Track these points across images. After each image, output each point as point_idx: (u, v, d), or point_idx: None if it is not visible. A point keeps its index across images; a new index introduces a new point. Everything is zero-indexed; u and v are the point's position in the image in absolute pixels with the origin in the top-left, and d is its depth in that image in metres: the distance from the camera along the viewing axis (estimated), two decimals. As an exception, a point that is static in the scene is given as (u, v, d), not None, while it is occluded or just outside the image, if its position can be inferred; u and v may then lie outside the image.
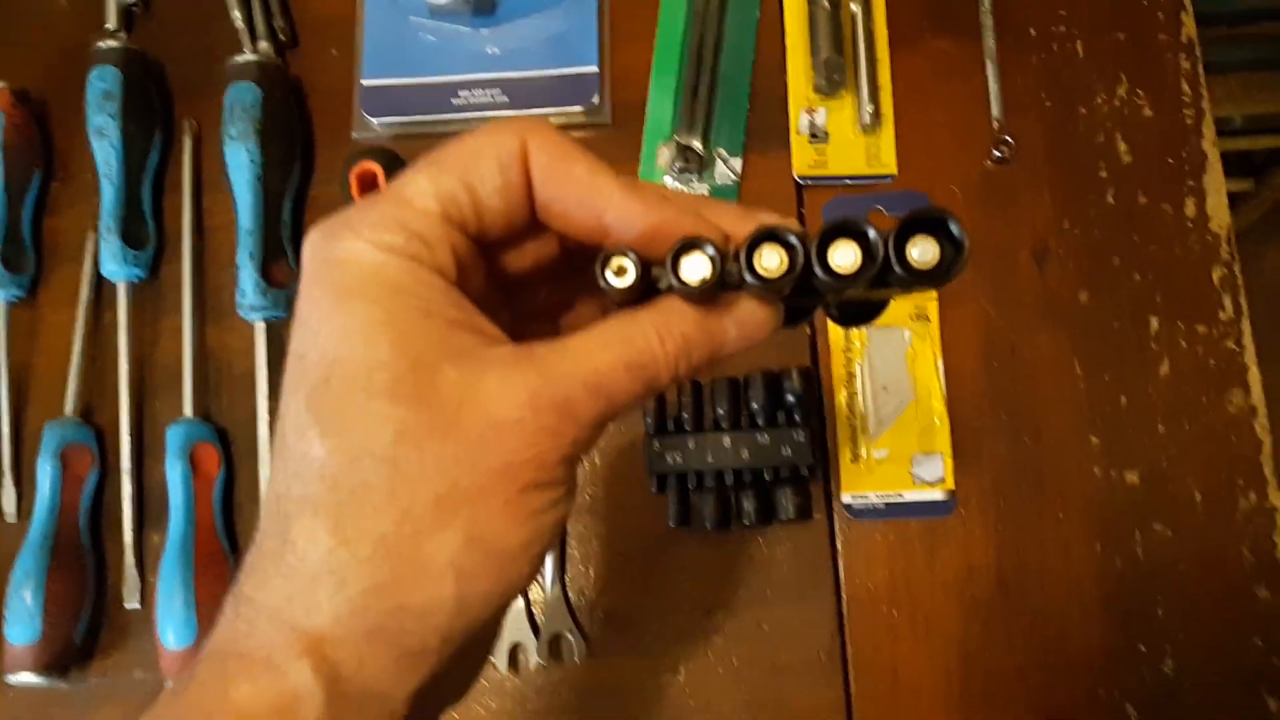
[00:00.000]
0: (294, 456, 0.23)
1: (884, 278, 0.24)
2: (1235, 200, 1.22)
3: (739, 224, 0.25)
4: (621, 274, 0.24)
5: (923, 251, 0.23)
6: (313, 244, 0.24)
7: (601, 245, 0.25)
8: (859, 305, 0.28)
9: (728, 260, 0.24)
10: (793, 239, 0.24)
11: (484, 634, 0.27)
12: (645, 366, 0.25)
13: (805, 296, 0.26)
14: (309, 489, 0.23)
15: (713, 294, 0.25)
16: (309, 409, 0.23)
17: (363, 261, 0.23)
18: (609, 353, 0.24)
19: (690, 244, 0.24)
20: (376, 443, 0.23)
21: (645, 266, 0.25)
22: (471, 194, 0.24)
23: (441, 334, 0.23)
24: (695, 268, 0.24)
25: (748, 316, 0.26)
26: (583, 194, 0.25)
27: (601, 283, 0.25)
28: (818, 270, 0.24)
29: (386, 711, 0.24)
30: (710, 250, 0.24)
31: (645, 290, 0.25)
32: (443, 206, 0.24)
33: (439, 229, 0.24)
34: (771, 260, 0.24)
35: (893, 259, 0.23)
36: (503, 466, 0.23)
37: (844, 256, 0.24)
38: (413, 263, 0.23)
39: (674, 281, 0.24)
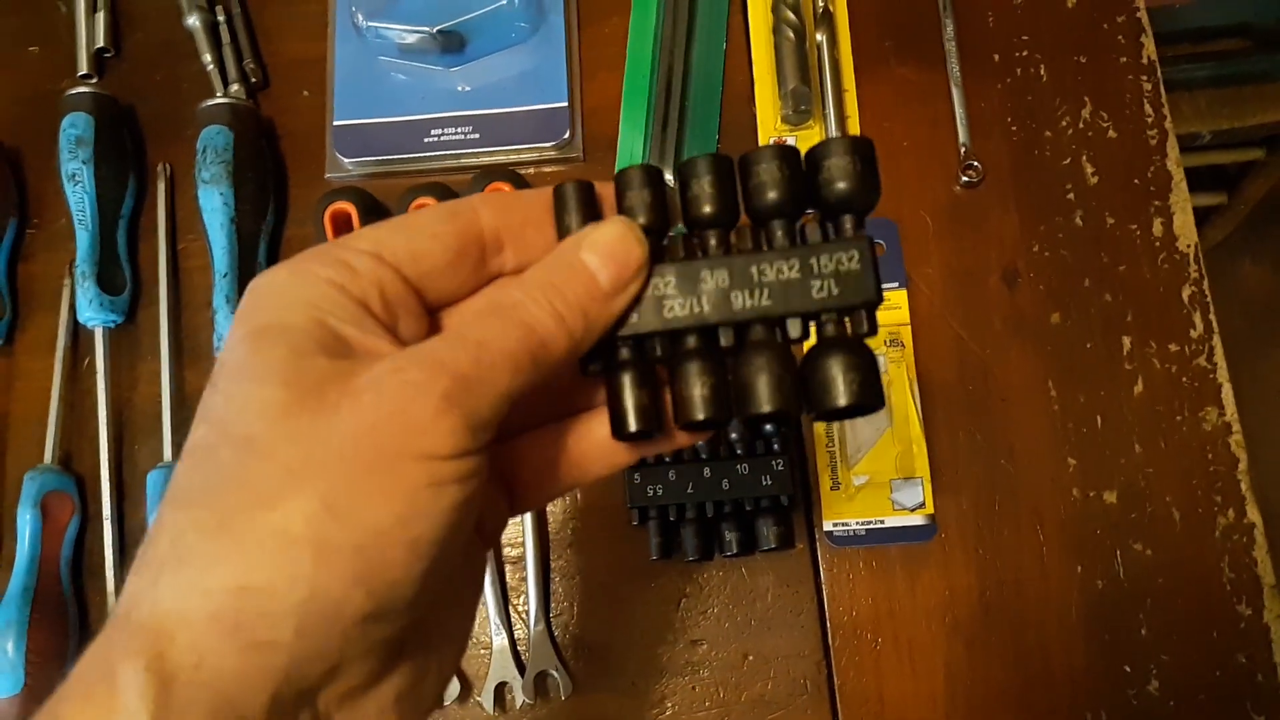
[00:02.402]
0: (189, 443, 0.23)
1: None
2: (1209, 213, 1.24)
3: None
4: None
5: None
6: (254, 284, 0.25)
7: None
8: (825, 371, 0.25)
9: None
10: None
11: (394, 650, 0.24)
12: (508, 311, 0.24)
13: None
14: (177, 480, 0.22)
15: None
16: (199, 407, 0.23)
17: (275, 281, 0.24)
18: (473, 309, 0.25)
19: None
20: (238, 424, 0.22)
21: None
22: (409, 239, 0.25)
23: (328, 335, 0.23)
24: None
25: (600, 236, 0.25)
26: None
27: None
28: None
29: (234, 714, 0.20)
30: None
31: None
32: (376, 247, 0.24)
33: (366, 261, 0.24)
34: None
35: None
36: (364, 431, 0.21)
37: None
38: (325, 283, 0.23)
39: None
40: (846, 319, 0.26)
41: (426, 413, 0.22)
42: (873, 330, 0.26)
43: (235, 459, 0.22)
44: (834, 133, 0.56)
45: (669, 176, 0.51)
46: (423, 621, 0.24)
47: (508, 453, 0.28)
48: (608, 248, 0.25)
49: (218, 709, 0.20)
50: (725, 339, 0.26)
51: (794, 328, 0.26)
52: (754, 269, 0.26)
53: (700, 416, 0.25)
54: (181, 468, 0.23)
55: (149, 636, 0.20)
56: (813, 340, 0.26)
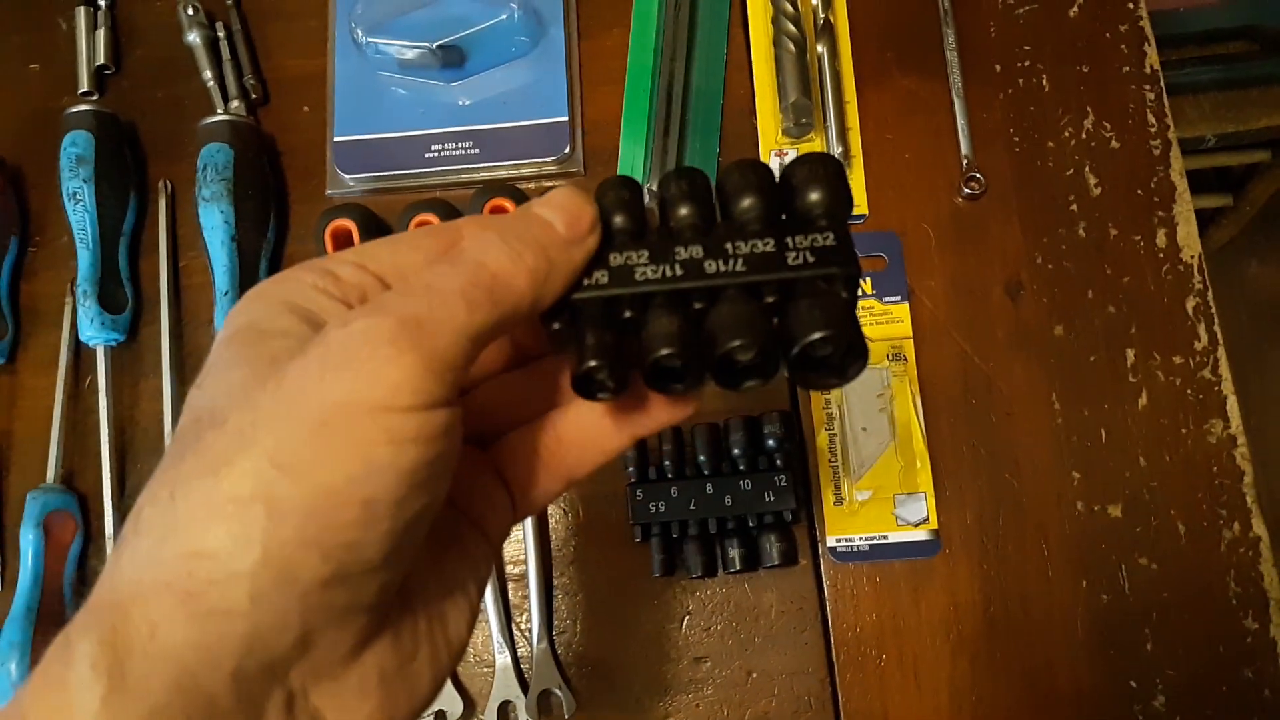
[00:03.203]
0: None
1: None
2: (1215, 214, 1.23)
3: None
4: None
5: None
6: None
7: None
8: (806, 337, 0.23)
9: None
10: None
11: (363, 624, 0.23)
12: (456, 255, 0.24)
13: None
14: (158, 466, 0.22)
15: None
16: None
17: (260, 289, 0.24)
18: (422, 261, 0.25)
19: None
20: (205, 407, 0.22)
21: None
22: (392, 252, 0.25)
23: (301, 321, 0.23)
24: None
25: (551, 195, 0.25)
26: None
27: None
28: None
29: (200, 696, 0.20)
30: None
31: None
32: (360, 258, 0.25)
33: (349, 269, 0.24)
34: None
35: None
36: (311, 385, 0.21)
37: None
38: (309, 286, 0.24)
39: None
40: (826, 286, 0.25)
41: (377, 359, 0.21)
42: (852, 299, 0.25)
43: (194, 435, 0.21)
44: (835, 145, 0.56)
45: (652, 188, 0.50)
46: (407, 597, 0.24)
47: (502, 450, 0.28)
48: (559, 201, 0.25)
49: (177, 682, 0.19)
50: (698, 303, 0.25)
51: (769, 293, 0.25)
52: (729, 244, 0.25)
53: (664, 350, 0.24)
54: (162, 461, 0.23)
55: (103, 611, 0.20)
56: None
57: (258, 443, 0.20)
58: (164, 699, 0.19)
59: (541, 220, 0.25)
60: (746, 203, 0.25)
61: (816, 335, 0.23)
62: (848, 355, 0.24)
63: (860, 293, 0.55)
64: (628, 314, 0.25)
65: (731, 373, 0.25)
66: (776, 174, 0.26)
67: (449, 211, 0.54)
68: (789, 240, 0.25)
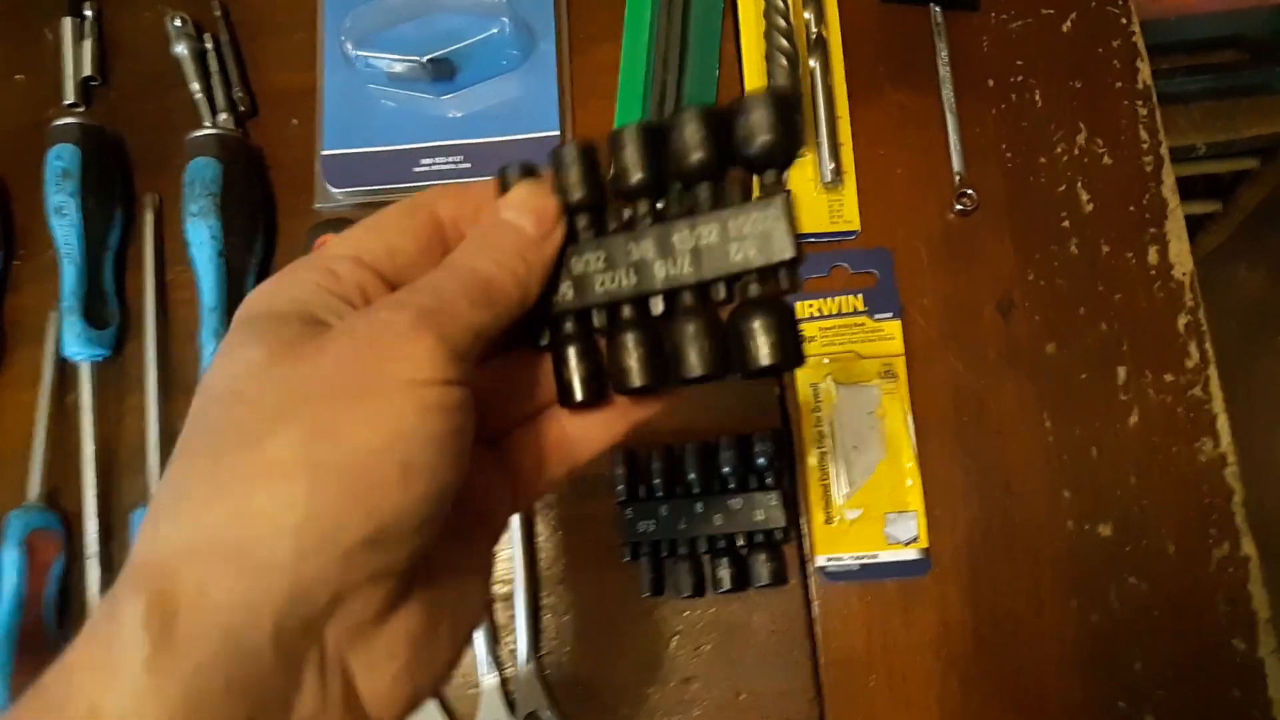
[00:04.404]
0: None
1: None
2: (1204, 221, 1.24)
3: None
4: None
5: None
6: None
7: None
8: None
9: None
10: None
11: (393, 589, 0.24)
12: (451, 263, 0.27)
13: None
14: (175, 449, 0.24)
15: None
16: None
17: (264, 287, 0.26)
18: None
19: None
20: (224, 385, 0.24)
21: None
22: (382, 238, 0.27)
23: (309, 316, 0.25)
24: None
25: (512, 195, 0.28)
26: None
27: None
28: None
29: (243, 653, 0.21)
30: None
31: None
32: (355, 251, 0.27)
33: (347, 265, 0.26)
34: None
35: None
36: (346, 363, 0.23)
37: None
38: (312, 285, 0.26)
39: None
40: (771, 277, 0.26)
41: (402, 338, 0.24)
42: (794, 287, 0.26)
43: (224, 411, 0.23)
44: (827, 160, 0.56)
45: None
46: (431, 571, 0.26)
47: (508, 445, 0.30)
48: (521, 201, 0.28)
49: (222, 639, 0.21)
50: (655, 308, 0.28)
51: (718, 291, 0.27)
52: (675, 238, 0.27)
53: (636, 384, 0.27)
54: (179, 439, 0.24)
55: (151, 572, 0.21)
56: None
57: (296, 414, 0.22)
58: (209, 656, 0.21)
59: (514, 226, 0.27)
60: (695, 161, 0.26)
61: (763, 364, 0.26)
62: (785, 366, 0.26)
63: (854, 310, 0.54)
64: (597, 323, 0.28)
65: (688, 383, 0.27)
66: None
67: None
68: (732, 226, 0.26)
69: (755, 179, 0.27)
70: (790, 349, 0.26)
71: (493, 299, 0.26)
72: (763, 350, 0.26)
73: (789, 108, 0.26)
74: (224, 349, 0.25)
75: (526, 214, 0.27)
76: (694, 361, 0.26)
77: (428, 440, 0.23)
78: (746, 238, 0.26)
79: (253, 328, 0.25)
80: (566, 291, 0.28)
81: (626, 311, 0.28)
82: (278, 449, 0.22)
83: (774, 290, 0.26)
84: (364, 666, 0.24)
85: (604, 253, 0.28)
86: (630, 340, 0.27)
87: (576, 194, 0.28)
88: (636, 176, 0.27)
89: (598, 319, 0.28)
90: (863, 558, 0.52)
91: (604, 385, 0.28)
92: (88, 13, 0.63)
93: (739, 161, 0.27)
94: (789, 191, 0.26)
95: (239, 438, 0.22)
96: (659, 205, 0.28)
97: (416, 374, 0.23)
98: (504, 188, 0.29)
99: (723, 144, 0.26)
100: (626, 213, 0.28)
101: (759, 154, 0.26)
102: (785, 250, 0.26)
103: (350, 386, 0.23)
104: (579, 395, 0.28)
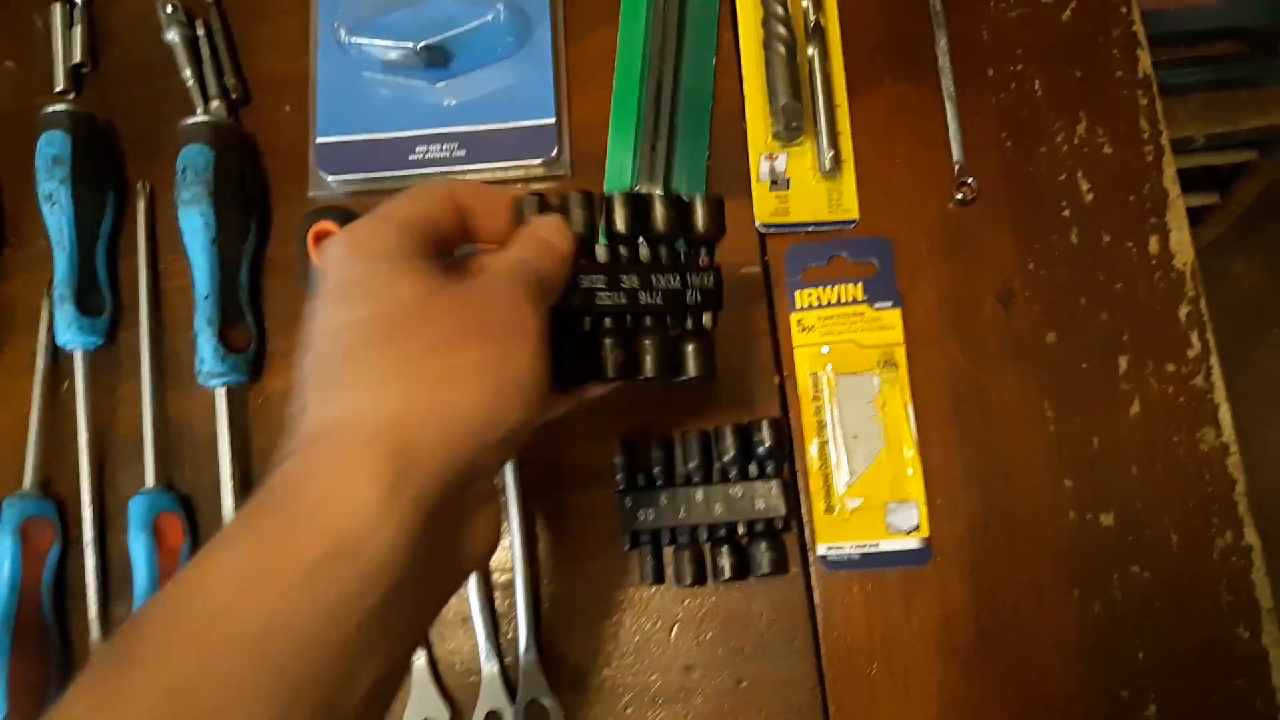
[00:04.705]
0: (331, 324, 0.32)
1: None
2: (1203, 213, 1.24)
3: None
4: None
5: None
6: (338, 235, 0.35)
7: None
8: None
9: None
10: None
11: (484, 486, 0.35)
12: (540, 247, 0.38)
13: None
14: (358, 335, 0.31)
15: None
16: (342, 296, 0.33)
17: (370, 232, 0.35)
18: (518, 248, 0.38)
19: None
20: (398, 300, 0.32)
21: None
22: (428, 206, 0.36)
23: (424, 256, 0.34)
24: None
25: (547, 220, 0.39)
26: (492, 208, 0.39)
27: None
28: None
29: (438, 488, 0.30)
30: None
31: None
32: (418, 216, 0.35)
33: (414, 229, 0.35)
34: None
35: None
36: (499, 309, 0.33)
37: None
38: (405, 236, 0.34)
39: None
40: (705, 314, 0.43)
41: (530, 301, 0.35)
42: (714, 321, 0.44)
43: (411, 321, 0.32)
44: (826, 149, 0.55)
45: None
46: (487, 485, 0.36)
47: None
48: (553, 227, 0.39)
49: (427, 483, 0.30)
50: (631, 322, 0.42)
51: (673, 320, 0.43)
52: (654, 277, 0.42)
53: (611, 375, 0.41)
54: (329, 340, 0.32)
55: (379, 425, 0.30)
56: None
57: (474, 339, 0.32)
58: (423, 491, 0.29)
59: (550, 246, 0.38)
60: (660, 229, 0.42)
61: (690, 374, 0.43)
62: (704, 378, 0.43)
63: (853, 299, 0.54)
64: (588, 325, 0.41)
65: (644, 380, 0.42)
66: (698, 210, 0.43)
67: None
68: (688, 278, 0.43)
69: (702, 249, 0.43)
70: (707, 367, 0.43)
71: (554, 291, 0.38)
72: (690, 365, 0.43)
73: (718, 207, 0.43)
74: (378, 272, 0.33)
75: (557, 237, 0.38)
76: (649, 366, 0.41)
77: (545, 371, 0.34)
78: (697, 288, 0.43)
79: (404, 263, 0.33)
80: (575, 300, 0.40)
81: (609, 322, 0.41)
82: (465, 361, 0.31)
83: (706, 323, 0.44)
84: (469, 531, 0.34)
85: (604, 277, 0.41)
86: (610, 345, 0.41)
87: (579, 229, 0.40)
88: (623, 226, 0.41)
89: (589, 322, 0.41)
90: (864, 546, 0.51)
91: (591, 370, 0.41)
92: (78, -1, 0.62)
93: (685, 235, 0.42)
94: (718, 266, 0.44)
95: (429, 346, 0.31)
96: (638, 242, 0.42)
97: (540, 327, 0.34)
98: (519, 216, 0.39)
99: (679, 221, 0.42)
100: (620, 249, 0.42)
101: (699, 236, 0.43)
102: (715, 303, 0.44)
103: (508, 325, 0.33)
104: (572, 379, 0.41)
